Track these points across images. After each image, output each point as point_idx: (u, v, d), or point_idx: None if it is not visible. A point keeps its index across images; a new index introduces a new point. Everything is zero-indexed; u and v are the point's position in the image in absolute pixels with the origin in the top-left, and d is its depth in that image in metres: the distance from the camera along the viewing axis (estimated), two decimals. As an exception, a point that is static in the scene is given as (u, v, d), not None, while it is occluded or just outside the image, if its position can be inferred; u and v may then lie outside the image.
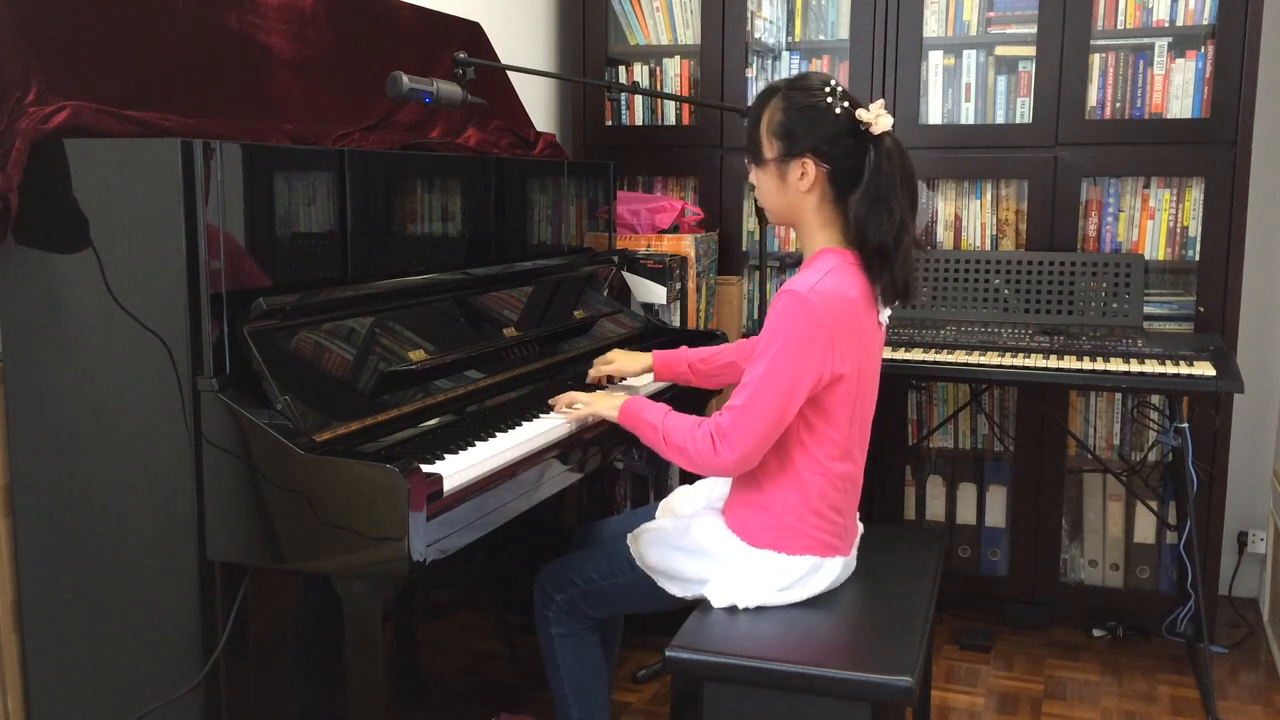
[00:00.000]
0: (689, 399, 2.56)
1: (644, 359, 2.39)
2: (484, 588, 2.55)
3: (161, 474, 1.72)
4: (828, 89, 1.93)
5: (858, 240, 1.93)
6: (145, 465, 1.74)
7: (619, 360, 2.38)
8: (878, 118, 1.91)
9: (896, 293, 1.96)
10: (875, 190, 1.90)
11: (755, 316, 3.35)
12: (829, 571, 2.01)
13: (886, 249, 1.90)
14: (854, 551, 2.10)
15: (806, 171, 1.93)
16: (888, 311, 2.02)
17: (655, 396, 2.34)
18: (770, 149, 1.97)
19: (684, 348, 2.41)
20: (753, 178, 2.05)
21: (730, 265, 3.36)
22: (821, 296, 1.85)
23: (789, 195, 1.97)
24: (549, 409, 2.11)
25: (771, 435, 1.89)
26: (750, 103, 2.10)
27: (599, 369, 2.38)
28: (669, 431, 1.95)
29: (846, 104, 1.93)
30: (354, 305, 1.93)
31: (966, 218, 3.26)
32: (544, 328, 2.40)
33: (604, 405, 2.09)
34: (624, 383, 2.43)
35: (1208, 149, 2.95)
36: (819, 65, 3.36)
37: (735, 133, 3.34)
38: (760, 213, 2.81)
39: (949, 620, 3.26)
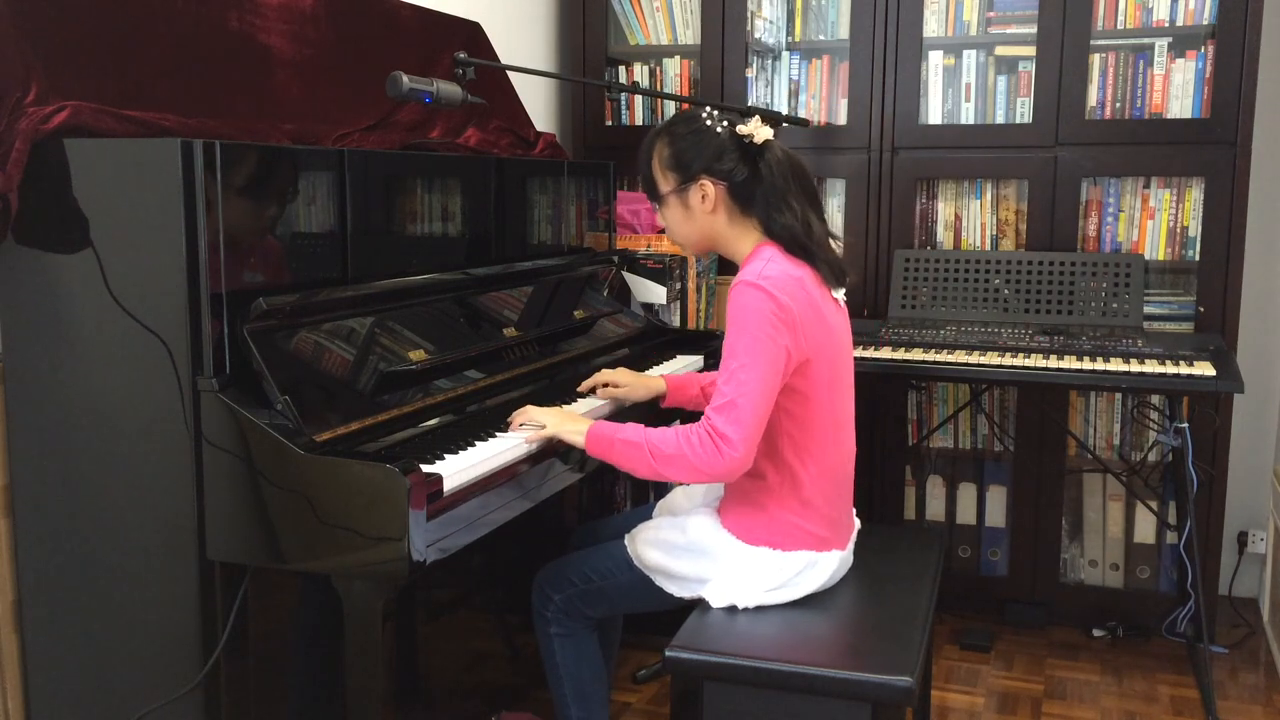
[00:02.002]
0: (647, 415, 2.30)
1: (655, 384, 2.29)
2: (484, 588, 2.55)
3: (161, 474, 1.72)
4: (705, 113, 2.04)
5: (771, 237, 2.01)
6: (145, 465, 1.74)
7: (627, 384, 2.26)
8: (757, 129, 2.00)
9: (834, 273, 2.03)
10: (772, 191, 1.99)
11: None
12: (826, 567, 2.01)
13: (799, 239, 1.99)
14: (850, 546, 2.10)
15: (706, 192, 2.01)
16: (842, 290, 2.08)
17: (609, 418, 2.12)
18: (667, 182, 2.04)
19: (690, 373, 2.39)
20: (660, 220, 2.12)
21: (730, 265, 3.33)
22: (771, 280, 1.90)
23: (697, 220, 2.04)
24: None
25: (763, 423, 1.91)
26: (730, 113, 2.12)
27: (599, 386, 2.24)
28: (655, 445, 1.87)
29: (726, 123, 2.02)
30: (354, 305, 1.93)
31: (966, 218, 3.26)
32: (544, 328, 2.40)
33: (566, 429, 1.94)
34: (571, 405, 2.17)
35: (1208, 149, 2.95)
36: (819, 65, 3.36)
37: (735, 133, 3.34)
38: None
39: (949, 620, 3.26)
